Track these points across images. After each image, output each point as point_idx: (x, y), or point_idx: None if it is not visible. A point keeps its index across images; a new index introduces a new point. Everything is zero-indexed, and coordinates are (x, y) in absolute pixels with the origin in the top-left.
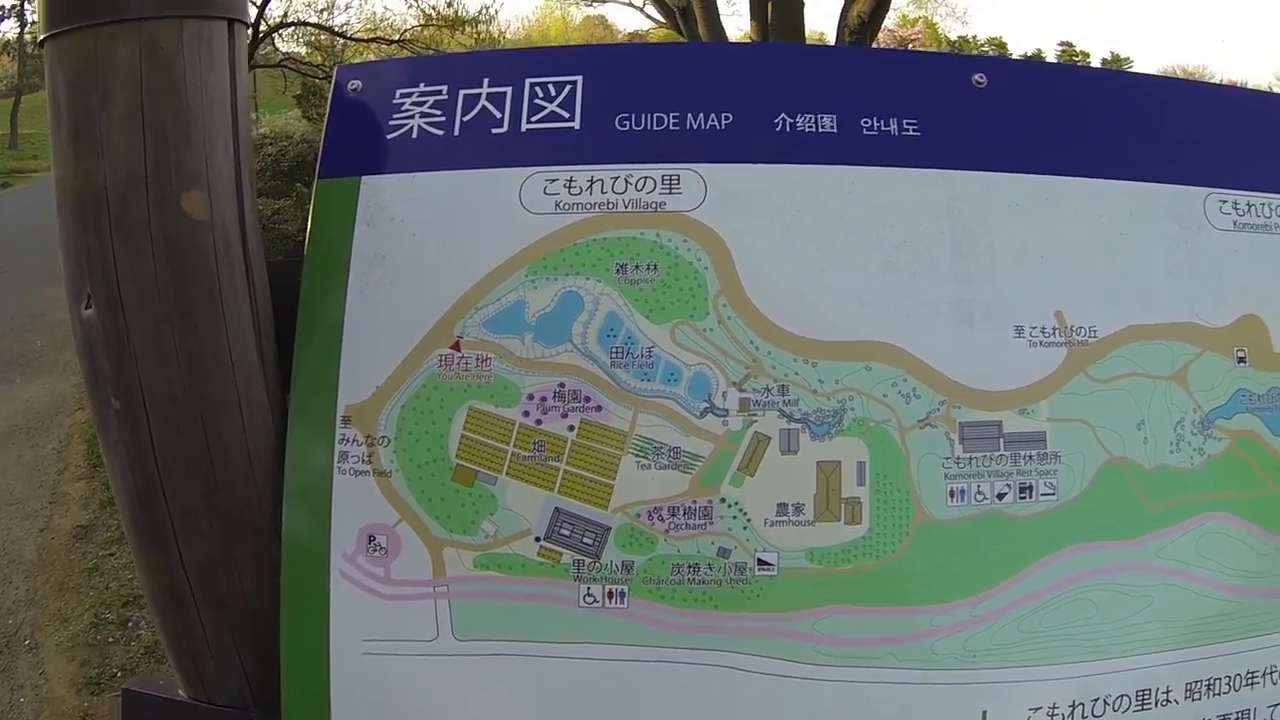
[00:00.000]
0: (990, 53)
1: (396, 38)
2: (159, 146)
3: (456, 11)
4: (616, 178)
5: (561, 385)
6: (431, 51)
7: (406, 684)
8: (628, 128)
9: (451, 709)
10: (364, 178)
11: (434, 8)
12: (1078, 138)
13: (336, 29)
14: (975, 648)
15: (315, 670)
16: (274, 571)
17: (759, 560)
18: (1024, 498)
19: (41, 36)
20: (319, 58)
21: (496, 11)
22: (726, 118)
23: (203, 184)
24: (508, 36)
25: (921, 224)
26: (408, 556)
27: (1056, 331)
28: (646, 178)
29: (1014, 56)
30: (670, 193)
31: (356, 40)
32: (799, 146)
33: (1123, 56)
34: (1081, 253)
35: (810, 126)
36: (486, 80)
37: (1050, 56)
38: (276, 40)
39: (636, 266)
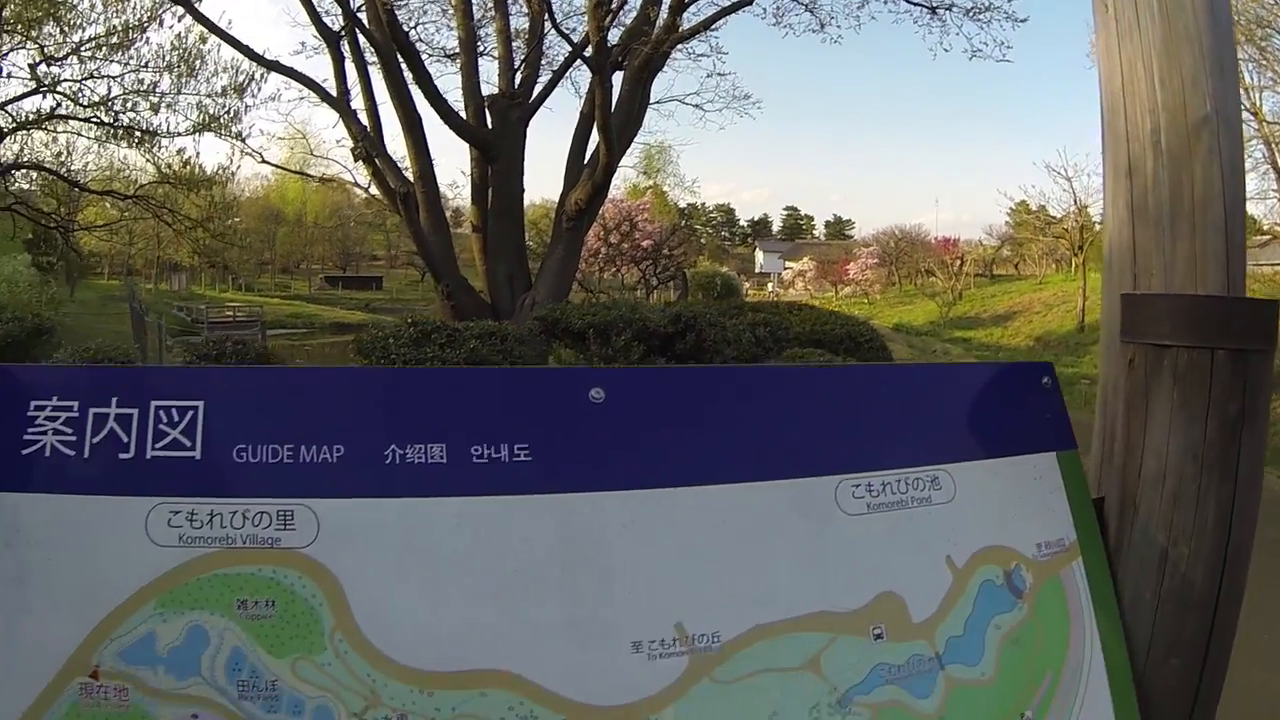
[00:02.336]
0: (718, 218)
1: (132, 192)
2: None
3: (193, 171)
4: (235, 512)
5: (194, 716)
6: (166, 209)
7: None
8: (245, 460)
9: None
10: (2, 494)
11: (170, 165)
12: (701, 444)
13: (72, 177)
14: None
15: None
16: None
17: None
18: None
19: None
20: (53, 203)
21: (234, 173)
22: (339, 450)
23: None
24: (245, 195)
25: (533, 550)
26: None
27: (676, 642)
28: (263, 513)
29: (741, 221)
30: (285, 529)
31: (91, 191)
32: (410, 478)
33: (845, 218)
34: (702, 561)
35: (420, 457)
36: (115, 400)
37: (777, 222)
38: (8, 181)
39: (255, 602)
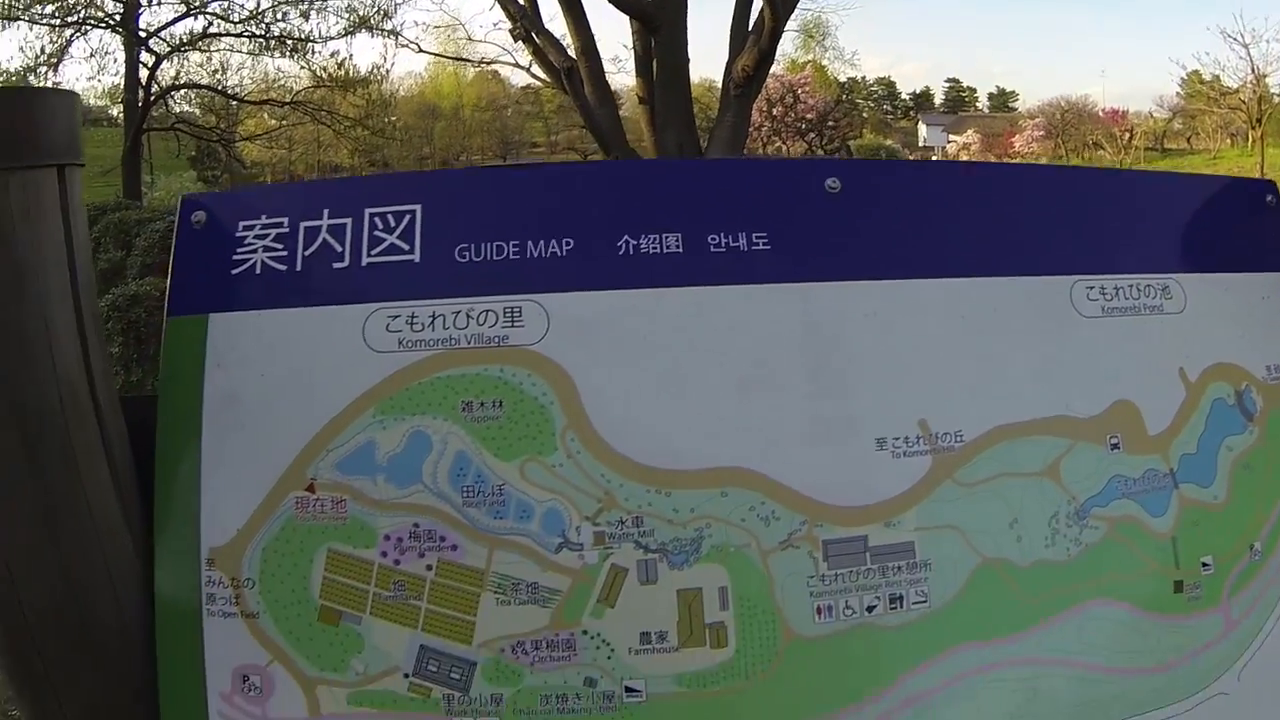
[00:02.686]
0: (879, 92)
1: (288, 99)
2: None
3: (347, 72)
4: (458, 312)
5: (416, 526)
6: (324, 112)
7: None
8: (467, 259)
9: None
10: (212, 315)
11: (325, 69)
12: (937, 237)
13: (229, 91)
14: None
15: None
16: (155, 716)
17: (626, 688)
18: (895, 608)
19: None
20: (213, 119)
21: (388, 70)
22: (567, 243)
23: (43, 341)
24: (400, 93)
25: (775, 342)
26: (282, 695)
27: (920, 440)
28: (488, 311)
29: (902, 95)
30: (513, 326)
31: (248, 103)
32: (644, 269)
33: (1009, 90)
34: (944, 357)
35: (655, 247)
36: (326, 211)
37: (939, 95)
38: (169, 102)
39: (482, 404)
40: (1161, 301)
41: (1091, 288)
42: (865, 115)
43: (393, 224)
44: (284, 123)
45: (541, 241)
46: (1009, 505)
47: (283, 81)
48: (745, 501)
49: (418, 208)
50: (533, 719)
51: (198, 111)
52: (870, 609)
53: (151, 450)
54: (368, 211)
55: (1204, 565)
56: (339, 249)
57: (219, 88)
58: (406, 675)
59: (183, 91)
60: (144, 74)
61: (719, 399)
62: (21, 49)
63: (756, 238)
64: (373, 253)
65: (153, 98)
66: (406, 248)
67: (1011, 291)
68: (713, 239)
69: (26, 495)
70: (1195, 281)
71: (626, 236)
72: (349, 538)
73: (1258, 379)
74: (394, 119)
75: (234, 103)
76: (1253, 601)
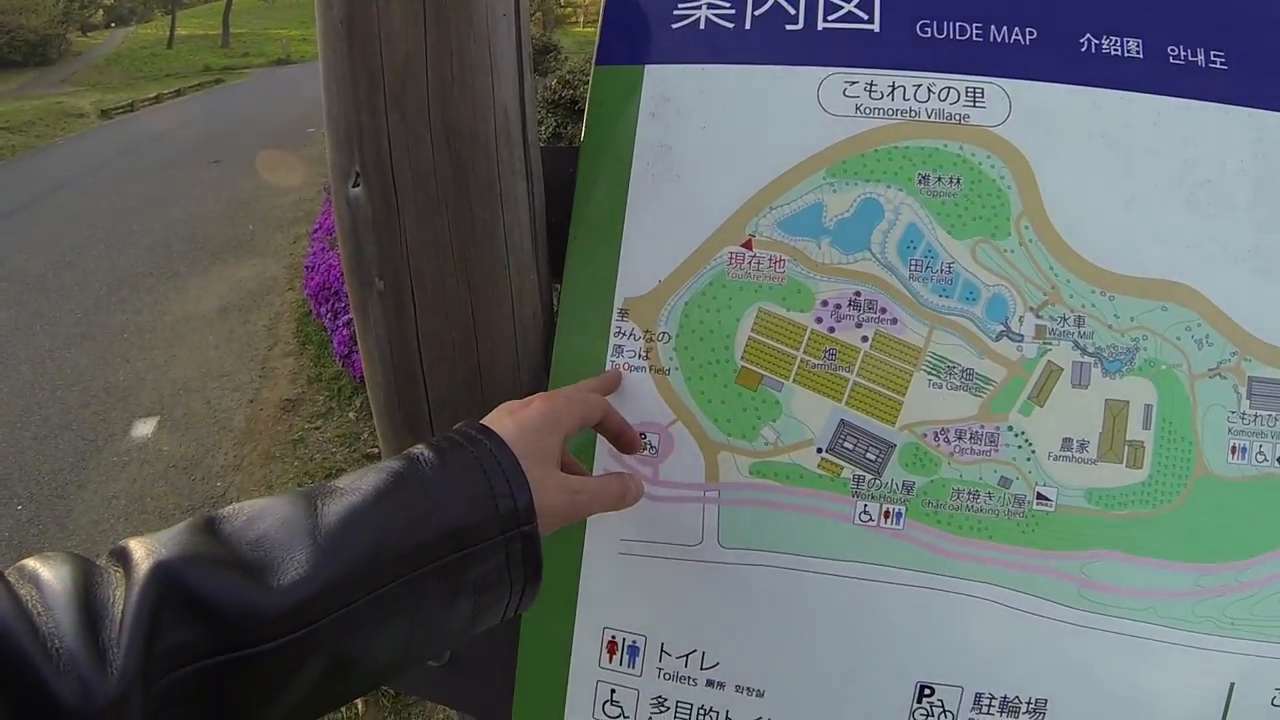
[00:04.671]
0: None
1: None
2: (440, 26)
3: None
4: (919, 85)
5: (857, 294)
6: None
7: (660, 586)
8: (929, 35)
9: (705, 615)
10: (647, 67)
11: None
12: None
13: None
14: (1235, 615)
15: (566, 568)
16: None
17: (1038, 494)
18: None
19: None
20: None
21: None
22: (1031, 33)
23: (486, 67)
24: None
25: (1225, 163)
26: (680, 458)
27: None
28: (950, 88)
29: None
30: (974, 106)
31: None
32: (1104, 70)
33: None
34: None
35: (1116, 50)
36: None
37: None
38: None
39: (939, 179)
40: None
41: None
42: None
43: None
44: None
45: (1005, 27)
46: None
47: None
48: (1183, 319)
49: None
50: (938, 513)
51: None
52: None
53: (562, 202)
54: None
55: None
56: (792, 12)
57: None
58: (820, 450)
59: None
60: None
61: (1167, 210)
62: None
63: (1214, 55)
64: (829, 18)
65: None
66: (865, 17)
67: None
68: (1173, 50)
69: (447, 220)
70: None
71: (1089, 34)
72: (784, 299)
73: None
74: None
75: None
76: None
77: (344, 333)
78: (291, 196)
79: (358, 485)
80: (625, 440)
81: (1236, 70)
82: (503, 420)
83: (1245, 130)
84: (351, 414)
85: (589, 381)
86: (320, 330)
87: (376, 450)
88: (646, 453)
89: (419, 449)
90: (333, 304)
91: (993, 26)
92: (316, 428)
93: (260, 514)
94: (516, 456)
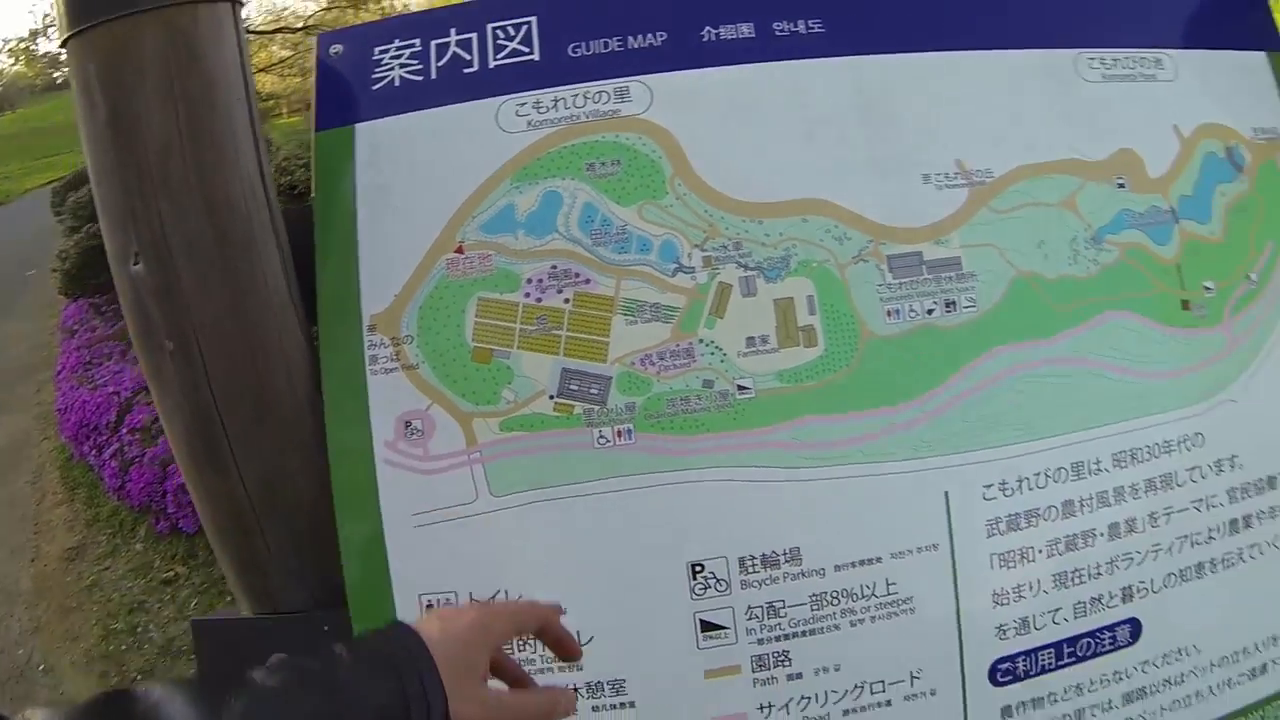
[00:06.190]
0: None
1: (300, 25)
2: (190, 114)
3: None
4: (576, 95)
5: (554, 267)
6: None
7: (455, 544)
8: (579, 54)
9: (496, 557)
10: (357, 125)
11: None
12: (962, 17)
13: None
14: (929, 439)
15: (373, 550)
16: (325, 476)
17: (738, 386)
18: (949, 311)
19: (64, 36)
20: None
21: None
22: (662, 35)
23: (232, 144)
24: (410, 6)
25: (835, 101)
26: (442, 433)
27: (958, 175)
28: (601, 92)
29: None
30: (623, 101)
31: (259, 33)
32: (724, 52)
33: None
34: (972, 112)
35: (732, 35)
36: (453, 30)
37: None
38: None
39: (603, 163)
40: (1154, 71)
41: (1092, 59)
42: None
43: (513, 33)
44: (298, 49)
45: (640, 35)
46: (1035, 229)
47: (291, 9)
48: (823, 226)
49: (533, 19)
50: (661, 421)
51: None
52: (930, 312)
53: (306, 251)
54: (489, 25)
55: (1206, 288)
56: (468, 58)
57: None
58: (551, 397)
59: None
60: None
61: (793, 145)
62: None
63: (812, 23)
64: (498, 57)
65: None
66: (527, 50)
67: (1025, 61)
68: (777, 25)
69: (217, 278)
70: (1185, 56)
71: (709, 27)
72: (496, 285)
73: (1245, 137)
74: None
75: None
76: (1252, 323)
77: (112, 465)
78: (24, 344)
79: (266, 683)
80: (565, 649)
81: (833, 31)
82: (430, 625)
83: (846, 73)
84: (138, 544)
85: (539, 603)
86: (87, 470)
87: (172, 573)
88: (414, 436)
89: (339, 647)
90: (94, 440)
91: (630, 36)
92: (106, 568)
93: (164, 707)
94: (437, 664)
